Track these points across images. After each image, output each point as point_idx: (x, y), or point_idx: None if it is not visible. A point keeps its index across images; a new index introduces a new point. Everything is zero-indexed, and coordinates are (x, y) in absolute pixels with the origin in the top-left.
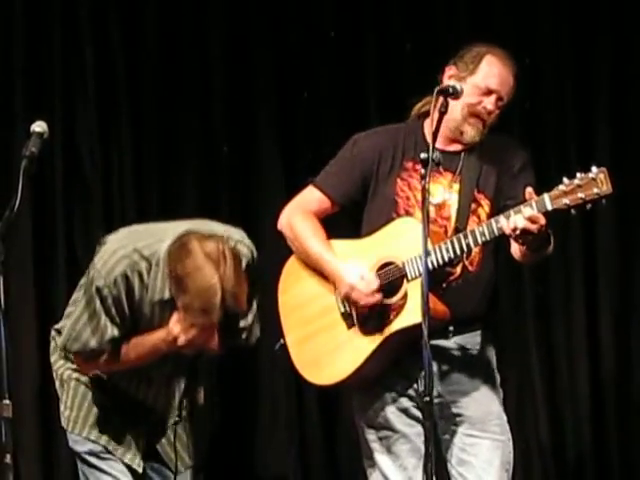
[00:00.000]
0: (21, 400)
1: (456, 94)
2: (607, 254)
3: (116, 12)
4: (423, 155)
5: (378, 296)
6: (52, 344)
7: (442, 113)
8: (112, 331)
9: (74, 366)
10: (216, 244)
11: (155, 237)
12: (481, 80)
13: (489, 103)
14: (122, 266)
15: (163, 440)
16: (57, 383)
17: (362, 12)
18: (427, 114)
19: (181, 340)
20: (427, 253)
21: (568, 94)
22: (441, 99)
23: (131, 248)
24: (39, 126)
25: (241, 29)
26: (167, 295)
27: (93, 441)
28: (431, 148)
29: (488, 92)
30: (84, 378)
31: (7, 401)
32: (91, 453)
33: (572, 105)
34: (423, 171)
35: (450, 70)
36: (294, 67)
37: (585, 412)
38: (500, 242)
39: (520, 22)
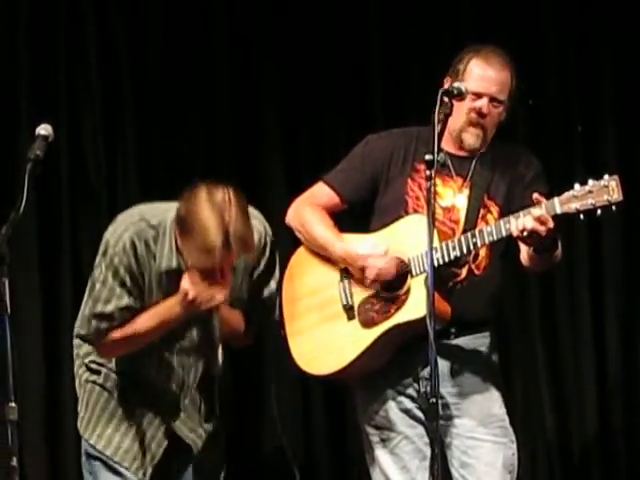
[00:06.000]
0: (27, 403)
1: (461, 95)
2: (613, 256)
3: (120, 17)
4: (428, 157)
5: (393, 260)
6: (75, 351)
7: (447, 115)
8: (127, 300)
9: (90, 372)
10: (223, 190)
11: (162, 209)
12: (470, 86)
13: (483, 107)
14: (129, 233)
15: (178, 422)
16: (77, 384)
17: (367, 11)
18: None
19: (191, 293)
20: (432, 254)
21: (573, 96)
22: (446, 100)
23: (138, 217)
24: (44, 129)
25: (245, 31)
26: (174, 264)
27: (99, 451)
28: (435, 150)
29: (479, 96)
30: (100, 381)
31: (13, 404)
32: (100, 459)
33: (578, 106)
34: (428, 173)
35: (447, 82)
36: (298, 67)
37: (591, 413)
38: (509, 249)
39: (522, 21)
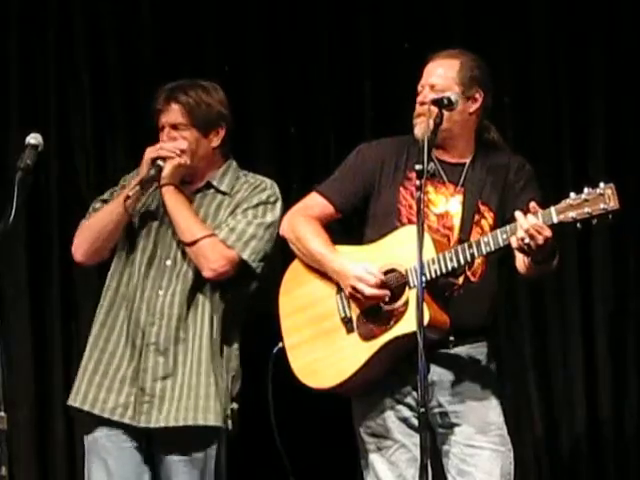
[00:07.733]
0: (16, 412)
1: (451, 105)
2: (602, 260)
3: (111, 24)
4: (418, 167)
5: (383, 290)
6: None
7: (437, 124)
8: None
9: None
10: None
11: None
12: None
13: (421, 96)
14: None
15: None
16: None
17: (358, 17)
18: None
19: (154, 147)
20: (422, 268)
21: (563, 101)
22: (436, 110)
23: None
24: (34, 138)
25: (236, 43)
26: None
27: (79, 410)
28: (425, 159)
29: (421, 90)
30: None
31: (2, 413)
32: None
33: (567, 112)
34: (418, 183)
35: None
36: (289, 75)
37: (581, 414)
38: (505, 256)
39: (513, 24)
